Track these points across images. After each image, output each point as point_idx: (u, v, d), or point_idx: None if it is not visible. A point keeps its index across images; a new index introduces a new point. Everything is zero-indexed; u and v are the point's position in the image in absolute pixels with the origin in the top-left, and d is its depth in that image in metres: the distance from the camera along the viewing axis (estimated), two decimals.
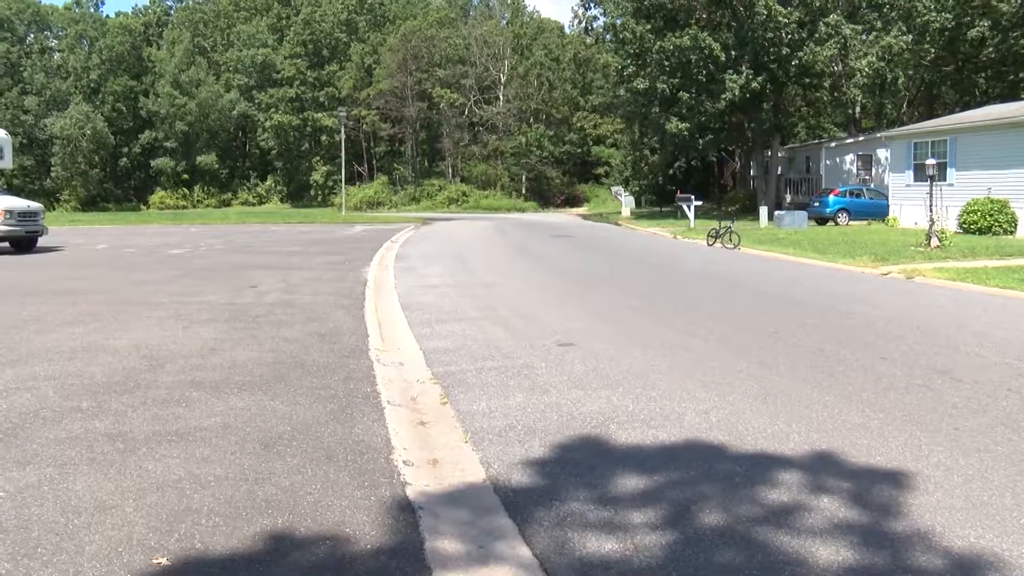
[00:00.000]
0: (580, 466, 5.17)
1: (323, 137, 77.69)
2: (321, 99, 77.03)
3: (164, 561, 3.74)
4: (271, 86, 77.76)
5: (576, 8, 48.78)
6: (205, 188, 79.13)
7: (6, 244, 22.81)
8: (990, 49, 40.89)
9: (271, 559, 3.79)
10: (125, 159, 79.72)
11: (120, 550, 3.83)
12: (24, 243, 23.01)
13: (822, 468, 5.10)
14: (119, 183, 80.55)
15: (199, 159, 77.22)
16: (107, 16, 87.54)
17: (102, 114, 75.81)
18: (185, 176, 78.43)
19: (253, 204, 78.59)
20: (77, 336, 9.22)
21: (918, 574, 3.73)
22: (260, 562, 3.76)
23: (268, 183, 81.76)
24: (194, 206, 75.97)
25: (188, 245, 26.74)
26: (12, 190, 26.44)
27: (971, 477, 4.91)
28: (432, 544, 3.98)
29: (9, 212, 21.89)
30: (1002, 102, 36.18)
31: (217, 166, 78.93)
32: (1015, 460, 5.20)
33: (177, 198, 77.41)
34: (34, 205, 24.02)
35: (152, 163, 78.67)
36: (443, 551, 3.93)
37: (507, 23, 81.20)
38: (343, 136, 63.99)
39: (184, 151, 77.76)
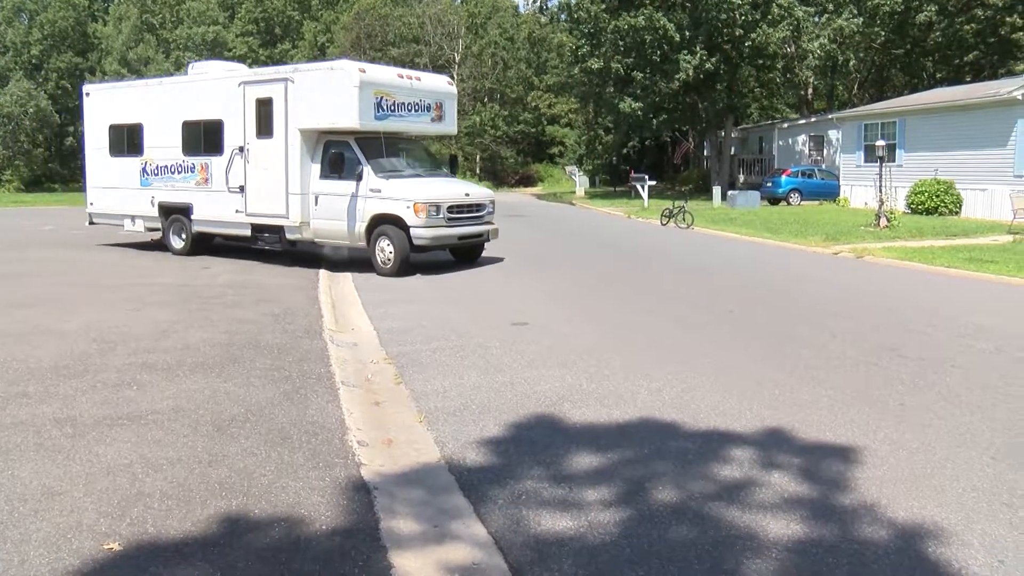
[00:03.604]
0: (535, 445, 5.20)
1: None
2: None
3: (115, 546, 3.69)
4: None
5: None
6: None
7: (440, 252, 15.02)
8: (937, 33, 41.59)
9: (225, 542, 3.77)
10: (71, 138, 77.71)
11: (69, 536, 3.77)
12: (464, 252, 15.20)
13: (773, 444, 5.19)
14: (65, 163, 78.48)
15: None
16: None
17: (45, 91, 73.71)
18: None
19: None
20: (24, 319, 9.02)
21: (864, 545, 3.82)
22: (214, 545, 3.73)
23: None
24: None
25: None
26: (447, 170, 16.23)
27: (915, 451, 5.04)
28: (387, 524, 3.98)
29: (434, 207, 13.47)
30: (949, 85, 36.88)
31: None
32: (956, 434, 5.35)
33: None
34: (477, 192, 15.23)
35: None
36: (398, 531, 3.94)
37: (461, 2, 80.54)
38: None
39: None
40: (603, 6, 39.55)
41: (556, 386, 6.57)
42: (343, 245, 14.70)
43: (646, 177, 36.91)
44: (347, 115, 13.45)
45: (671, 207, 25.51)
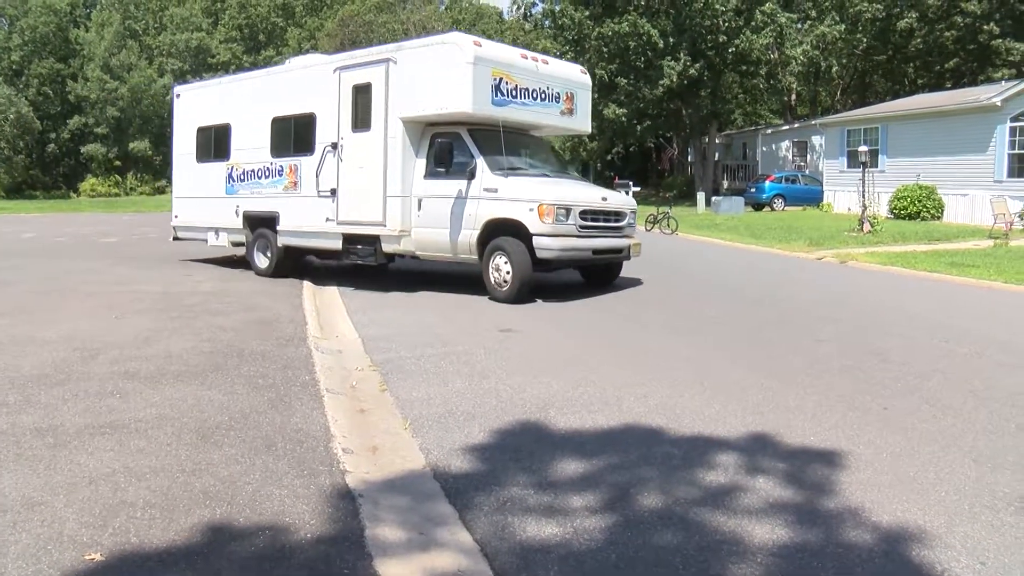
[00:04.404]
0: (520, 451, 5.19)
1: None
2: None
3: (97, 557, 3.66)
4: (206, 71, 76.03)
5: None
6: (138, 175, 77.11)
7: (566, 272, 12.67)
8: (918, 40, 42.00)
9: (209, 551, 3.74)
10: (53, 145, 77.23)
11: (49, 548, 3.73)
12: (598, 272, 12.85)
13: (758, 449, 5.20)
14: (47, 170, 77.96)
15: (132, 145, 75.16)
16: None
17: (26, 98, 73.17)
18: (117, 163, 76.33)
19: None
20: (3, 328, 8.94)
21: (849, 549, 3.84)
22: (198, 554, 3.70)
23: None
24: (127, 194, 74.05)
25: (122, 233, 26.09)
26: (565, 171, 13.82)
27: (899, 455, 5.07)
28: (372, 531, 3.96)
29: (563, 210, 11.05)
30: (930, 91, 37.23)
31: (151, 153, 76.93)
32: (939, 437, 5.38)
33: (109, 185, 75.34)
34: (616, 198, 12.41)
35: (82, 149, 76.41)
36: (384, 538, 3.92)
37: (446, 8, 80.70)
38: None
39: (116, 137, 75.61)
40: (587, 13, 39.73)
41: (541, 392, 6.57)
42: (449, 259, 12.20)
43: (630, 183, 36.91)
44: (459, 98, 11.23)
45: (655, 213, 25.62)
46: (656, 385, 6.77)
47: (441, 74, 11.36)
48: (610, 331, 9.25)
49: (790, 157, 40.40)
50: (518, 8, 48.59)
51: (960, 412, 5.95)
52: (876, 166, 27.55)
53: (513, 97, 11.77)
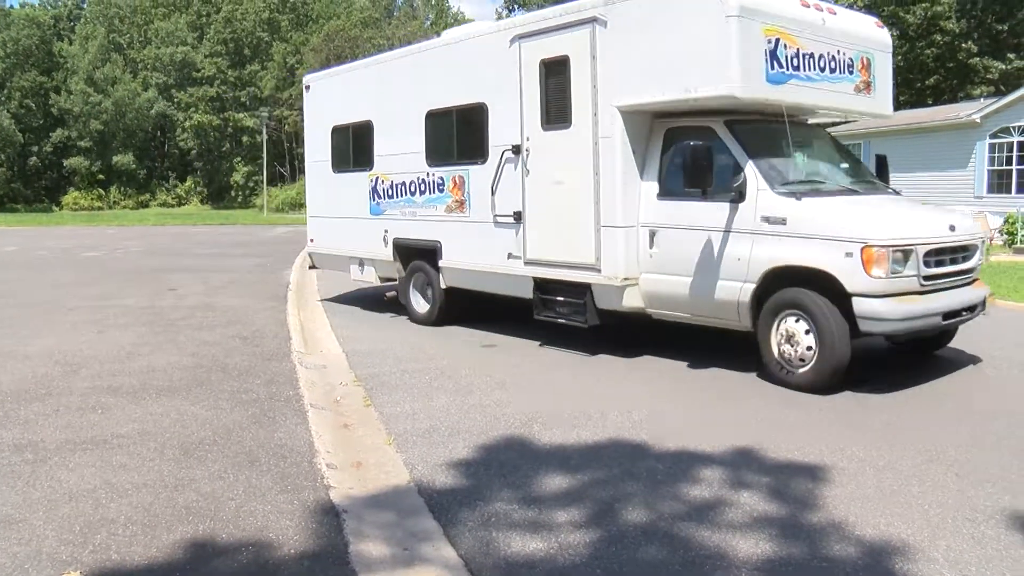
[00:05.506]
0: (504, 466, 5.19)
1: (244, 137, 76.44)
2: (243, 99, 75.80)
3: (77, 575, 3.62)
4: (191, 85, 76.16)
5: (500, 10, 48.94)
6: (122, 189, 76.92)
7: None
8: (899, 57, 42.47)
9: (192, 567, 3.71)
10: (35, 158, 76.92)
11: (27, 567, 3.69)
12: (928, 338, 8.14)
13: (743, 463, 5.21)
14: (28, 183, 77.58)
15: (115, 159, 74.99)
16: (11, 7, 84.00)
17: (8, 111, 72.83)
18: (100, 176, 76.09)
19: (172, 205, 76.84)
20: None
21: (833, 562, 3.85)
22: (180, 571, 3.68)
23: (188, 184, 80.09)
24: (110, 207, 73.80)
25: (104, 247, 25.95)
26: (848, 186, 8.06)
27: (882, 468, 5.09)
28: (357, 547, 3.94)
29: (900, 254, 6.71)
30: (911, 108, 37.62)
31: (134, 166, 76.84)
32: (921, 450, 5.40)
33: (92, 199, 75.10)
34: (964, 227, 7.59)
35: (65, 163, 76.15)
36: (368, 554, 3.90)
37: (431, 24, 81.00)
38: (265, 137, 63.08)
39: (99, 151, 75.40)
40: None
41: (525, 407, 6.56)
42: (700, 323, 8.08)
43: None
44: (716, 74, 7.24)
45: None
46: (640, 400, 6.75)
47: (683, 37, 7.49)
48: (593, 346, 9.25)
49: None
50: None
51: (943, 426, 5.99)
52: None
53: (795, 68, 7.69)
